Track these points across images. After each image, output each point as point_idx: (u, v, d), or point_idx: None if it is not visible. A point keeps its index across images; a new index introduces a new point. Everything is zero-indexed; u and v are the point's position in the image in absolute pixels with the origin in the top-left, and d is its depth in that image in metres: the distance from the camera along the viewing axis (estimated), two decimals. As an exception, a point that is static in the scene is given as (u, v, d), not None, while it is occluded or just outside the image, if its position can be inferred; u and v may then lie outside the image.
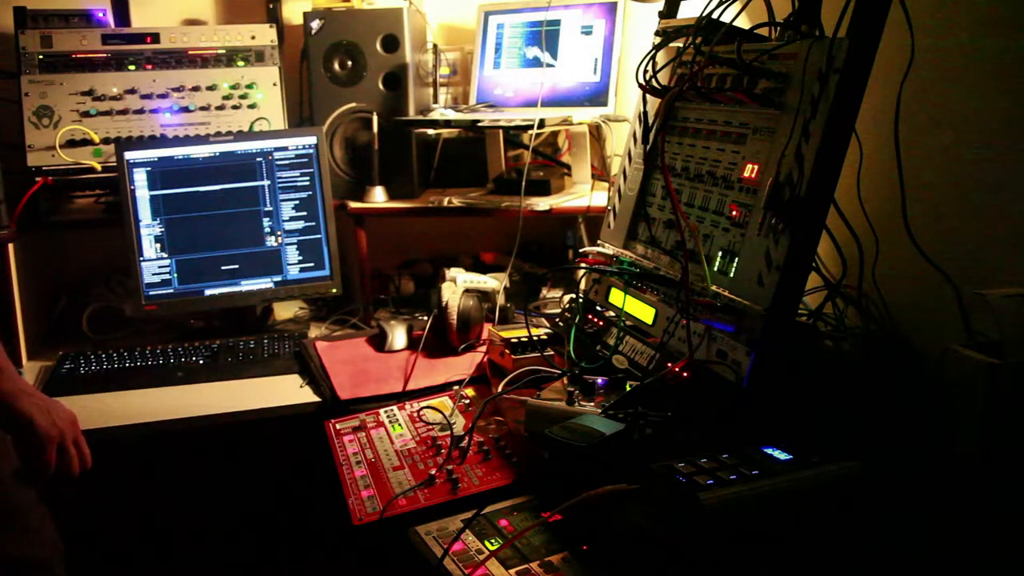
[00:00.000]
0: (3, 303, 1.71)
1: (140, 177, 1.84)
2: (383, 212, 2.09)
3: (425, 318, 1.73)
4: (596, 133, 2.10)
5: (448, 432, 1.31)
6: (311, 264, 1.97)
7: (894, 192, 1.18)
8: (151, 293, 1.85)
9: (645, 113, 1.40)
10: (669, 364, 1.17)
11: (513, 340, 1.46)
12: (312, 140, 1.94)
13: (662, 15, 1.47)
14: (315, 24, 2.00)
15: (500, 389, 1.36)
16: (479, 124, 1.90)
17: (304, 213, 1.95)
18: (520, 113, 2.02)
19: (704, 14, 1.21)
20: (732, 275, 1.15)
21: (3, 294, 1.71)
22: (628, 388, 1.23)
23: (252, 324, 1.99)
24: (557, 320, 1.55)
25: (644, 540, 0.92)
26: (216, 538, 1.89)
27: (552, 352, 1.48)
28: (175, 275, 1.87)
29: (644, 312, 1.32)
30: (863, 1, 1.00)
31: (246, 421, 1.53)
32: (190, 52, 2.00)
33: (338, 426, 1.41)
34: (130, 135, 1.93)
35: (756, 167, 1.15)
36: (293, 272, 1.96)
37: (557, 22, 2.00)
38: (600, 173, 2.10)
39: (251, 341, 1.84)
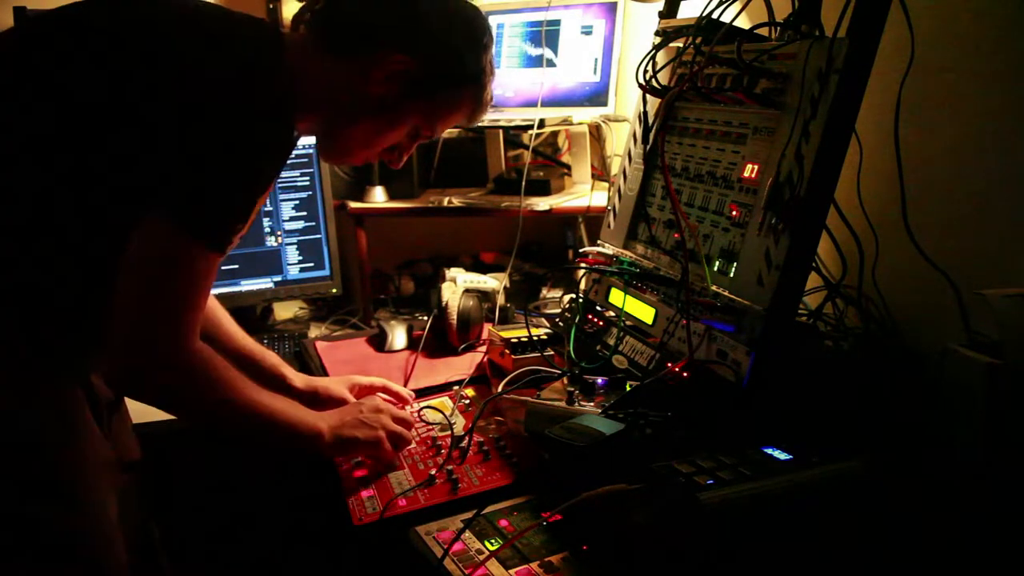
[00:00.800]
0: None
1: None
2: (383, 212, 2.09)
3: (425, 318, 1.73)
4: (596, 133, 2.10)
5: (448, 432, 1.31)
6: (311, 264, 1.97)
7: (894, 192, 1.18)
8: (151, 293, 1.85)
9: (645, 113, 1.40)
10: (669, 364, 1.17)
11: (513, 340, 1.46)
12: (312, 140, 1.94)
13: (662, 15, 1.47)
14: (315, 24, 2.00)
15: (500, 389, 1.36)
16: (479, 124, 1.90)
17: (304, 213, 1.95)
18: (520, 113, 2.03)
19: (704, 14, 1.21)
20: (732, 275, 1.15)
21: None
22: (628, 388, 1.23)
23: (252, 324, 1.99)
24: (557, 320, 1.55)
25: (644, 540, 0.92)
26: (216, 538, 1.89)
27: (552, 352, 1.48)
28: (175, 275, 1.87)
29: (644, 312, 1.32)
30: (863, 1, 1.00)
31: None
32: (190, 52, 2.00)
33: (338, 426, 1.41)
34: (130, 135, 1.93)
35: (756, 167, 1.15)
36: (293, 272, 1.96)
37: (557, 22, 2.00)
38: (600, 173, 2.10)
39: (251, 341, 1.83)
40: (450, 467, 1.20)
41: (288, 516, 1.90)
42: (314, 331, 1.99)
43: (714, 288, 1.15)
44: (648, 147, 1.40)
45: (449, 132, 2.19)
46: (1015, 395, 0.94)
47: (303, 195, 1.94)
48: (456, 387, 1.49)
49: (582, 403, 1.22)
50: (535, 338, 1.47)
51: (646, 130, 1.40)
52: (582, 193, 2.02)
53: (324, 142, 1.19)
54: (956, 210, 1.20)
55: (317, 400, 1.36)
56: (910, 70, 1.14)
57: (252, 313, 2.01)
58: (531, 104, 2.00)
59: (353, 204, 2.06)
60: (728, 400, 1.08)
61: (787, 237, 1.06)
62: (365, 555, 1.22)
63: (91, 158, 0.96)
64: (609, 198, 1.54)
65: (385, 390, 1.41)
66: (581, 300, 1.49)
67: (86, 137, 0.96)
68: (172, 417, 1.07)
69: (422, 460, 1.24)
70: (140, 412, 1.36)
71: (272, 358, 1.41)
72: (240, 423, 1.08)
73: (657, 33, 1.38)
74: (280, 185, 1.92)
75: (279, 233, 1.94)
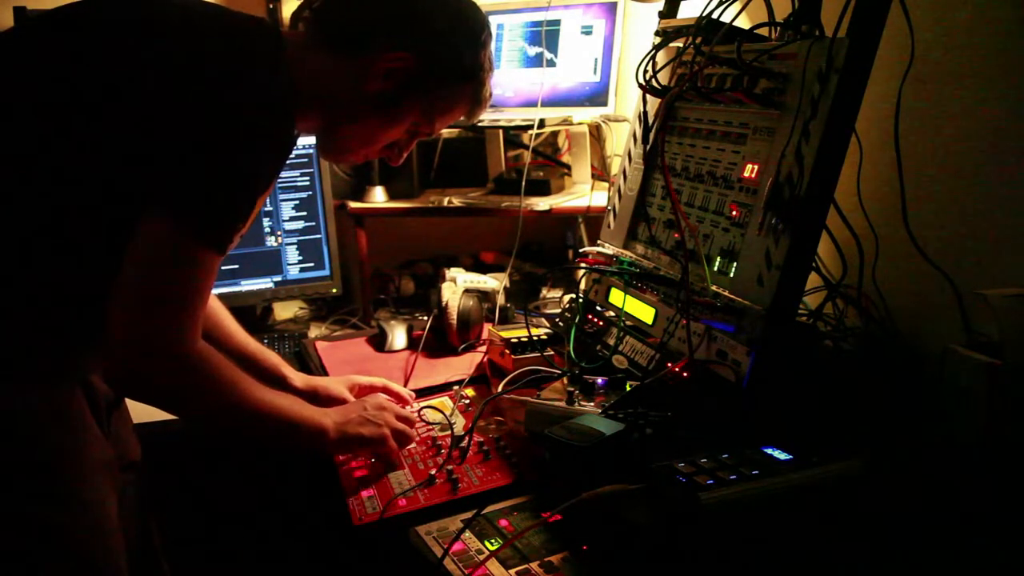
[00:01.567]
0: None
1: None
2: (383, 212, 2.09)
3: (425, 318, 1.73)
4: (596, 133, 2.10)
5: (448, 432, 1.31)
6: (311, 264, 1.97)
7: (894, 192, 1.18)
8: (151, 293, 1.85)
9: (645, 113, 1.40)
10: (669, 364, 1.17)
11: (513, 340, 1.46)
12: (312, 140, 1.94)
13: (662, 15, 1.47)
14: (315, 24, 2.00)
15: (500, 389, 1.36)
16: (479, 124, 1.90)
17: (304, 213, 1.95)
18: (520, 113, 2.03)
19: (704, 14, 1.21)
20: (732, 275, 1.15)
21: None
22: (628, 388, 1.23)
23: (252, 324, 1.99)
24: (557, 320, 1.55)
25: (644, 540, 0.92)
26: (216, 538, 1.89)
27: (552, 352, 1.48)
28: (175, 275, 1.87)
29: (644, 312, 1.32)
30: (863, 1, 1.00)
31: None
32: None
33: (338, 426, 1.41)
34: (130, 135, 1.93)
35: (756, 167, 1.15)
36: (293, 272, 1.96)
37: (557, 22, 2.00)
38: (600, 173, 2.11)
39: (251, 341, 1.83)
40: (450, 467, 1.20)
41: (288, 516, 1.90)
42: (314, 331, 1.99)
43: (714, 288, 1.15)
44: (648, 147, 1.40)
45: (449, 132, 2.19)
46: (1015, 395, 0.94)
47: (303, 195, 1.94)
48: (456, 387, 1.49)
49: (582, 403, 1.22)
50: (535, 338, 1.47)
51: (646, 130, 1.40)
52: (582, 193, 2.02)
53: (323, 140, 1.19)
54: (956, 210, 1.20)
55: (317, 400, 1.36)
56: (910, 70, 1.14)
57: (252, 313, 2.01)
58: (531, 104, 2.00)
59: (353, 204, 2.06)
60: (728, 400, 1.08)
61: (787, 237, 1.06)
62: (365, 555, 1.22)
63: (91, 158, 0.96)
64: (609, 198, 1.54)
65: (385, 390, 1.41)
66: (581, 300, 1.49)
67: (86, 137, 0.96)
68: (172, 417, 1.07)
69: (422, 460, 1.24)
70: (140, 412, 1.36)
71: (272, 358, 1.41)
72: (244, 421, 1.08)
73: (657, 33, 1.38)
74: (280, 185, 1.92)
75: (279, 233, 1.94)
